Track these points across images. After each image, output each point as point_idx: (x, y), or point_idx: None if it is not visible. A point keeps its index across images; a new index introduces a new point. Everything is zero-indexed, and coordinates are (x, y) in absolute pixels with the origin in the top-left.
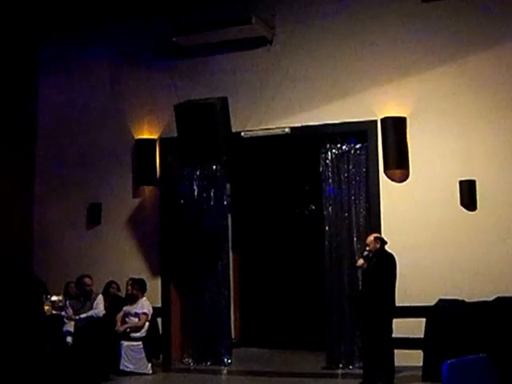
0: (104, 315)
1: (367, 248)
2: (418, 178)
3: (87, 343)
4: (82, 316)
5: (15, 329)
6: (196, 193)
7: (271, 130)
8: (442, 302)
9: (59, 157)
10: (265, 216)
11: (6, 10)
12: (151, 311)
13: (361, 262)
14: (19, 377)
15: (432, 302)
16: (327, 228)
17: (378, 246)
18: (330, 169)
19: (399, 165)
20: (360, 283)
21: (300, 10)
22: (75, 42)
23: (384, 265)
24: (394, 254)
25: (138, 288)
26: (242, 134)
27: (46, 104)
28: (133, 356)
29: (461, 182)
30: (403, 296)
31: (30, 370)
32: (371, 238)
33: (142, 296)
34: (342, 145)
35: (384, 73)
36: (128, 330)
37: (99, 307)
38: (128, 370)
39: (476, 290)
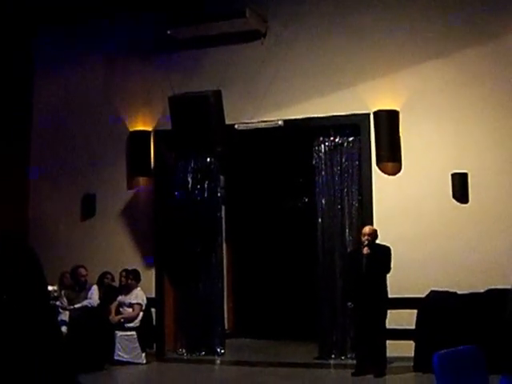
0: (98, 305)
1: (366, 238)
2: (410, 170)
3: (82, 333)
4: (77, 306)
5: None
6: (190, 185)
7: (265, 123)
8: (433, 294)
9: (54, 148)
10: (258, 208)
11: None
12: (145, 301)
13: (366, 250)
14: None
15: (424, 294)
16: (320, 220)
17: (376, 238)
18: (323, 161)
19: (391, 158)
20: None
21: (293, 4)
22: (71, 35)
23: (383, 257)
24: (390, 247)
25: (133, 278)
26: (236, 126)
27: (41, 97)
28: (127, 346)
29: (453, 175)
30: (395, 287)
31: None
32: (372, 228)
33: (136, 286)
34: (335, 138)
35: (377, 66)
36: (122, 320)
37: (94, 297)
38: (122, 359)
39: (468, 282)
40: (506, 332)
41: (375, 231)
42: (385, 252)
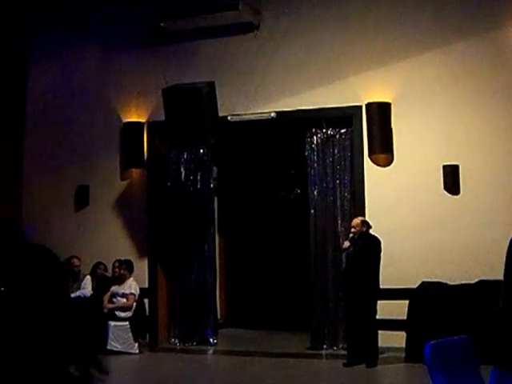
0: (91, 295)
1: (352, 230)
2: (402, 162)
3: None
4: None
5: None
6: (183, 176)
7: (258, 115)
8: (425, 285)
9: (47, 139)
10: (251, 199)
11: None
12: (138, 292)
13: (347, 244)
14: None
15: (415, 285)
16: (312, 211)
17: (364, 229)
18: (315, 153)
19: (383, 149)
20: (344, 266)
21: None
22: (64, 27)
23: (371, 248)
24: (379, 238)
25: (126, 269)
26: (229, 118)
27: (35, 87)
28: (120, 336)
29: (444, 167)
30: (387, 278)
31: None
32: (357, 220)
33: (130, 277)
34: (328, 129)
35: (369, 59)
36: (114, 307)
37: (87, 287)
38: (115, 349)
39: (459, 273)
40: (496, 324)
41: (362, 223)
42: (372, 244)
